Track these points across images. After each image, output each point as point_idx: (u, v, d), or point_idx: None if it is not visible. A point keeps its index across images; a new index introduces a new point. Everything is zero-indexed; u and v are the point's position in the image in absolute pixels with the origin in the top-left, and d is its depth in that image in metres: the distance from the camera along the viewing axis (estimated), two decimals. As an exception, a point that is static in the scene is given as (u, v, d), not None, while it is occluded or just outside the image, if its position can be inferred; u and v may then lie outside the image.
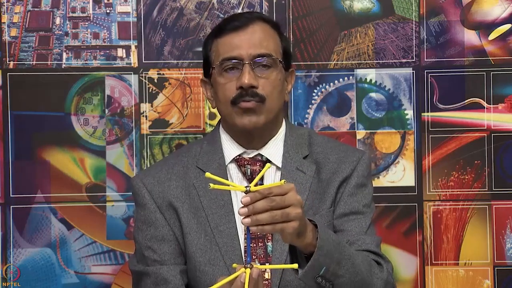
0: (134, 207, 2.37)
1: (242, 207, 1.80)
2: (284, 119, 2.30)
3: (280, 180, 2.19)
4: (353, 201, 2.23)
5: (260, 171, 2.20)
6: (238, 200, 2.20)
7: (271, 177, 2.23)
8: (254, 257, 2.16)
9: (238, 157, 2.24)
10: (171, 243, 2.21)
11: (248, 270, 1.81)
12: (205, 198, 2.20)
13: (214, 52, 2.23)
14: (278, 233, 1.88)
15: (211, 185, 1.80)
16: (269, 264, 2.16)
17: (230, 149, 2.25)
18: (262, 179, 2.21)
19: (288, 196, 1.84)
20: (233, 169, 2.24)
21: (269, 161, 2.23)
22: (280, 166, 2.23)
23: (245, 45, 2.18)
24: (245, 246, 2.17)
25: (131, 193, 2.91)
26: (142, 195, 2.24)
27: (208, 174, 1.82)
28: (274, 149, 2.25)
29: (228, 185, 1.82)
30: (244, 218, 1.80)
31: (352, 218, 2.21)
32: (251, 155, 2.23)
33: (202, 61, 2.97)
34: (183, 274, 2.20)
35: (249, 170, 2.21)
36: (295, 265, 1.85)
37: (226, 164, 2.24)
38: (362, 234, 2.20)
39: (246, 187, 1.80)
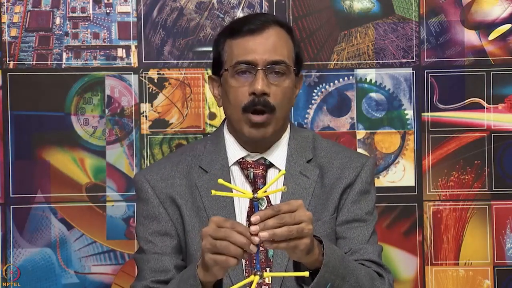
0: (135, 204, 2.35)
1: (252, 224, 1.80)
2: (288, 122, 2.30)
3: (283, 185, 2.19)
4: (356, 208, 2.22)
5: (262, 175, 2.20)
6: (239, 201, 2.20)
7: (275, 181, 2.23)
8: (254, 261, 2.15)
9: (241, 159, 2.23)
10: (173, 239, 2.20)
11: (256, 278, 1.81)
12: (207, 199, 2.19)
13: (227, 53, 2.21)
14: (290, 250, 1.88)
15: (213, 191, 1.79)
16: (270, 268, 2.16)
17: (234, 151, 2.24)
18: (264, 182, 2.21)
19: (297, 213, 1.84)
20: (236, 172, 2.23)
21: (273, 165, 2.23)
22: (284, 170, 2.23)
23: (260, 49, 2.17)
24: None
25: (131, 193, 2.92)
26: (145, 190, 2.23)
27: (220, 181, 1.81)
28: (277, 153, 2.24)
29: (235, 191, 1.82)
30: (258, 233, 1.80)
31: (355, 226, 2.21)
32: (255, 159, 2.23)
33: (202, 61, 2.97)
34: (180, 270, 2.19)
35: (251, 174, 2.20)
36: (306, 273, 1.83)
37: (229, 166, 2.24)
38: (364, 243, 2.20)
39: (253, 195, 1.80)
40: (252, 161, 2.22)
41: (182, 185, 2.22)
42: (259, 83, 2.15)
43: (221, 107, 2.26)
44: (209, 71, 2.94)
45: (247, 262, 2.16)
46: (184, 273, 2.03)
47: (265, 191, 1.81)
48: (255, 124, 2.16)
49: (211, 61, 2.96)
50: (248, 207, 2.19)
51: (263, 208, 2.17)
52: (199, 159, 2.25)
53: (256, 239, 1.80)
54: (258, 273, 1.81)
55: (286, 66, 2.18)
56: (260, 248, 1.84)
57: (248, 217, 2.17)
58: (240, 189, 1.86)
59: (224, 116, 2.29)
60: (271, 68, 2.17)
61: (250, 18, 2.24)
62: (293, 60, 2.22)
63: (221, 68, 2.22)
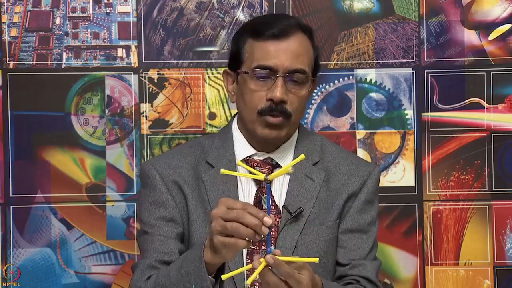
0: (141, 191, 2.33)
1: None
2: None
3: (288, 185, 2.20)
4: (360, 218, 2.24)
5: (269, 174, 2.20)
6: (244, 195, 2.20)
7: (280, 182, 2.23)
8: (256, 247, 2.16)
9: (248, 158, 2.24)
10: (179, 226, 2.20)
11: (263, 260, 1.83)
12: (212, 193, 2.20)
13: (247, 53, 2.20)
14: None
15: (222, 170, 1.82)
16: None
17: (241, 149, 2.25)
18: (270, 181, 2.21)
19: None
20: (242, 169, 2.23)
21: (279, 166, 2.23)
22: (290, 171, 2.23)
23: (282, 56, 2.16)
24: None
25: (131, 193, 2.92)
26: (153, 177, 2.23)
27: (223, 171, 1.84)
28: (284, 154, 2.25)
29: (245, 171, 1.85)
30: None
31: (356, 237, 2.23)
32: (262, 158, 2.23)
33: (202, 61, 2.97)
34: None
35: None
36: (316, 259, 1.85)
37: (236, 163, 2.24)
38: (364, 258, 2.22)
39: (265, 176, 1.84)
40: (259, 160, 2.23)
41: (189, 176, 2.23)
42: (278, 91, 2.15)
43: (234, 103, 2.26)
44: (209, 71, 2.95)
45: (248, 250, 2.16)
46: (188, 254, 2.02)
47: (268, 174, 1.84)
48: (270, 125, 2.17)
49: (211, 60, 2.97)
50: (253, 204, 2.19)
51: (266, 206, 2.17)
52: (206, 154, 2.26)
53: (268, 221, 1.80)
54: (268, 255, 1.82)
55: (305, 76, 2.18)
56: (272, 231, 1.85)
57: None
58: (249, 174, 1.88)
59: (233, 114, 2.30)
60: (290, 76, 2.17)
61: (273, 21, 2.23)
62: (312, 67, 2.22)
63: (239, 65, 2.21)
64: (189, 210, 2.20)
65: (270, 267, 1.84)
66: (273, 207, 2.19)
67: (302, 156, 1.90)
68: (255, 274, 1.82)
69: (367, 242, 2.24)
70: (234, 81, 2.25)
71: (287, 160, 2.24)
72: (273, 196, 2.20)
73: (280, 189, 2.22)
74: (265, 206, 2.18)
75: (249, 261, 2.16)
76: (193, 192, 2.21)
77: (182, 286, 1.98)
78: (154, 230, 2.19)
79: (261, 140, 2.20)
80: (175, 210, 2.21)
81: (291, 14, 2.94)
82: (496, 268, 2.97)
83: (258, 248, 2.17)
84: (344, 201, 2.22)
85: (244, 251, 2.17)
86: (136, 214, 2.93)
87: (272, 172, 2.21)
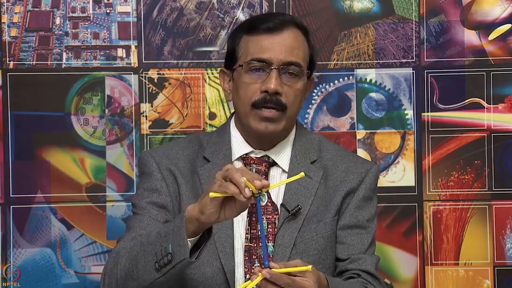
0: (138, 181, 2.33)
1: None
2: (295, 123, 2.31)
3: (286, 184, 2.20)
4: (358, 214, 2.24)
5: (265, 171, 2.21)
6: None
7: (277, 180, 2.23)
8: (254, 256, 2.17)
9: (244, 155, 2.24)
10: (169, 214, 2.20)
11: (261, 275, 1.85)
12: (206, 186, 2.20)
13: (242, 48, 2.21)
14: None
15: (211, 193, 1.85)
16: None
17: (238, 146, 2.25)
18: (266, 179, 2.21)
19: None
20: (238, 166, 2.23)
21: (276, 164, 2.24)
22: (287, 170, 2.23)
23: (276, 49, 2.17)
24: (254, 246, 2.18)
25: (131, 193, 2.92)
26: (150, 164, 2.24)
27: (212, 194, 1.87)
28: (282, 152, 2.25)
29: None
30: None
31: (355, 232, 2.23)
32: (258, 155, 2.24)
33: (202, 61, 2.97)
34: None
35: (254, 170, 2.21)
36: (309, 267, 1.87)
37: (233, 160, 2.24)
38: (363, 252, 2.23)
39: (258, 193, 1.85)
40: (256, 157, 2.23)
41: (185, 168, 2.23)
42: (273, 82, 2.15)
43: (230, 101, 2.27)
44: (209, 71, 2.95)
45: (246, 248, 2.16)
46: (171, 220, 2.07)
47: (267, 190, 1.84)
48: (264, 119, 2.17)
49: (211, 60, 2.97)
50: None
51: (263, 203, 2.18)
52: (203, 149, 2.26)
53: (258, 184, 1.85)
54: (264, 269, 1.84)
55: (300, 68, 2.19)
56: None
57: (249, 212, 2.17)
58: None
59: (232, 111, 2.30)
60: (285, 69, 2.17)
61: (268, 17, 2.25)
62: (307, 63, 2.23)
63: (235, 62, 2.22)
64: (181, 200, 2.21)
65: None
66: (270, 204, 2.20)
67: (302, 173, 1.91)
68: (249, 286, 1.85)
69: (366, 237, 2.23)
70: (230, 80, 2.25)
71: (284, 158, 2.24)
72: (270, 194, 2.20)
73: (278, 187, 2.22)
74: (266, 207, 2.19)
75: (247, 258, 2.16)
76: (187, 183, 2.22)
77: (159, 246, 1.98)
78: (144, 212, 2.20)
79: (257, 135, 2.20)
80: (168, 198, 2.21)
81: (291, 14, 2.94)
82: (496, 268, 2.97)
83: (255, 245, 2.17)
84: (342, 197, 2.23)
85: (240, 246, 2.17)
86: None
87: (268, 169, 2.21)
